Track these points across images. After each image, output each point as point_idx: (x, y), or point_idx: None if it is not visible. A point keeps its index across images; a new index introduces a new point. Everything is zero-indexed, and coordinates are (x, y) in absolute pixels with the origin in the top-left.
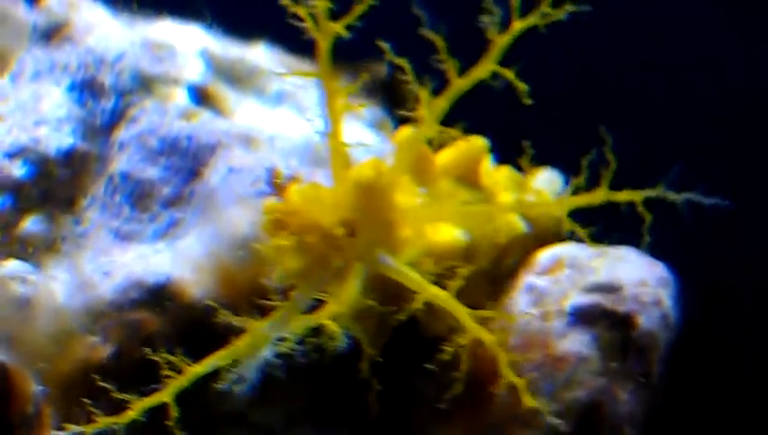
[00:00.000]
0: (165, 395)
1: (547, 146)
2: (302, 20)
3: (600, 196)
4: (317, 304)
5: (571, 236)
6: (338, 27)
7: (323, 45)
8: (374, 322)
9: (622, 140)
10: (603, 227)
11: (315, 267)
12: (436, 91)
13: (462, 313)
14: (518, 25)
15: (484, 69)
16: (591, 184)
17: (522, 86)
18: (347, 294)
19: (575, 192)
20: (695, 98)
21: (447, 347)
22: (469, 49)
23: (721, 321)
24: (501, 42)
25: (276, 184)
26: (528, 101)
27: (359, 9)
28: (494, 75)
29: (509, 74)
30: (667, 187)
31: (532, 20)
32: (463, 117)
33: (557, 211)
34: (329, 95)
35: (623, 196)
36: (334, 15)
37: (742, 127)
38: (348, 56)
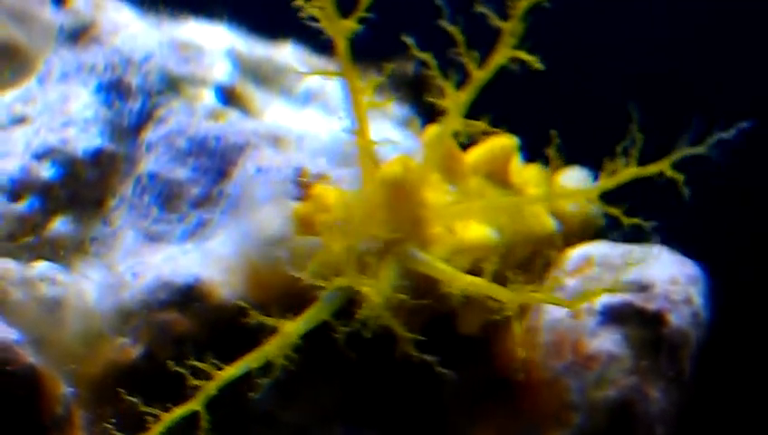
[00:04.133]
0: (195, 403)
1: (576, 145)
2: (317, 20)
3: (629, 173)
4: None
5: (602, 236)
6: (350, 23)
7: (340, 44)
8: (404, 319)
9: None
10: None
11: (346, 265)
12: (461, 85)
13: (504, 293)
14: (523, 4)
15: (501, 56)
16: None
17: (537, 65)
18: (380, 290)
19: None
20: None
21: (478, 345)
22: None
23: (751, 318)
24: (513, 28)
25: (302, 183)
26: (541, 67)
27: (365, 2)
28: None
29: (525, 56)
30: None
31: None
32: (492, 114)
33: (588, 198)
34: (353, 93)
35: (652, 168)
36: (347, 11)
37: None
38: (373, 55)
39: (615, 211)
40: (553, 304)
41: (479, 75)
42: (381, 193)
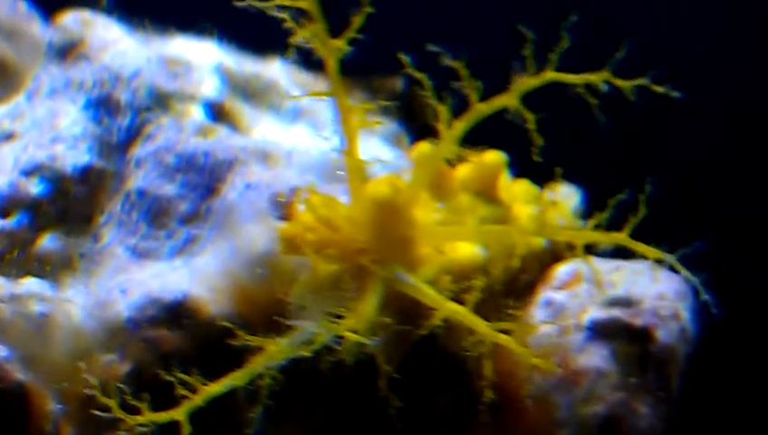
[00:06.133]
0: (178, 413)
1: (564, 160)
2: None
3: (618, 239)
4: (333, 322)
5: (590, 251)
6: (340, 43)
7: (331, 63)
8: (391, 339)
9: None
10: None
11: (332, 284)
12: (455, 108)
13: (481, 326)
14: (549, 75)
15: (507, 101)
16: (609, 193)
17: (539, 140)
18: (364, 311)
19: (596, 227)
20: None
21: (467, 364)
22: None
23: (739, 333)
24: (528, 83)
25: (281, 202)
26: (539, 159)
27: (357, 22)
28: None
29: (530, 117)
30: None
31: (566, 77)
32: (481, 130)
33: (575, 241)
34: (343, 112)
35: (641, 248)
36: (337, 32)
37: None
38: (363, 71)
39: (593, 265)
40: (524, 356)
41: (480, 108)
42: (369, 213)
